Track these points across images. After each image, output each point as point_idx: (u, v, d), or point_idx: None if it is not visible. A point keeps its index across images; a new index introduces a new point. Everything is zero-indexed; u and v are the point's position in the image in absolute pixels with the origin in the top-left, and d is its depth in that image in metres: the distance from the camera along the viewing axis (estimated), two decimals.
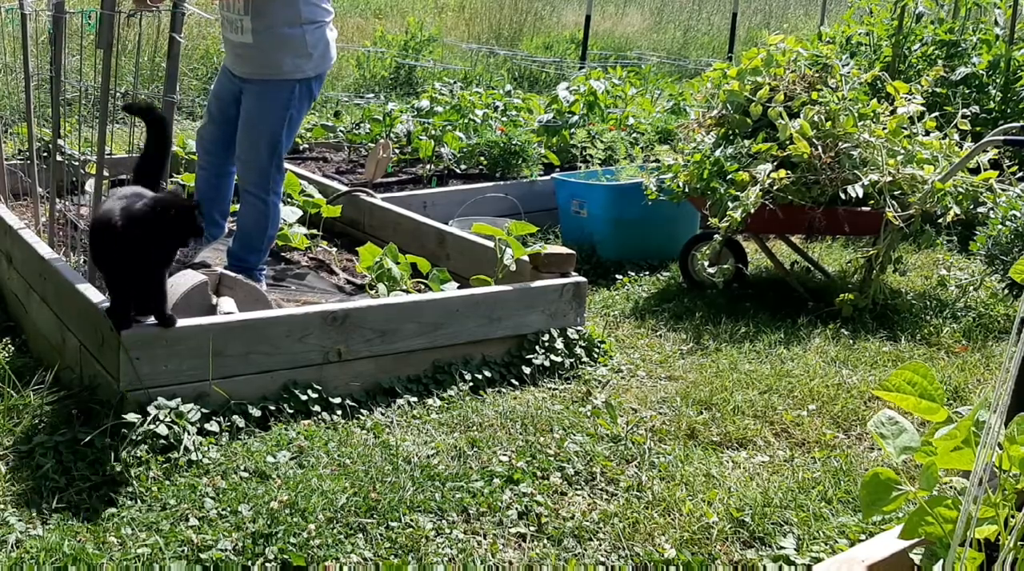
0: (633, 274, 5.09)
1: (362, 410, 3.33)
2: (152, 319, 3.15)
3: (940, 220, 4.51)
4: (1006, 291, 4.67)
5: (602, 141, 6.68)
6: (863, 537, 2.58)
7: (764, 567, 2.51)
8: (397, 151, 6.94)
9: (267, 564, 2.44)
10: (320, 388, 3.33)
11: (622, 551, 2.59)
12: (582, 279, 3.94)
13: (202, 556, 2.45)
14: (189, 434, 2.97)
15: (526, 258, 3.99)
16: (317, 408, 3.28)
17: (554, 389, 3.61)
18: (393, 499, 2.72)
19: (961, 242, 5.41)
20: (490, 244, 4.13)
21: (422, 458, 2.99)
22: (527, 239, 4.90)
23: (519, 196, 5.78)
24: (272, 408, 3.22)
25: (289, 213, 4.97)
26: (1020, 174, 5.04)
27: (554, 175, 5.82)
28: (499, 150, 6.39)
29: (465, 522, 2.68)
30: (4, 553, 2.45)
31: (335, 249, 5.03)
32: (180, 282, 3.50)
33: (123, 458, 2.84)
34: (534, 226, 4.33)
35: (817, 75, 4.82)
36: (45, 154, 5.33)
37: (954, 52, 6.88)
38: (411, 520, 2.64)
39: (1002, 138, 4.31)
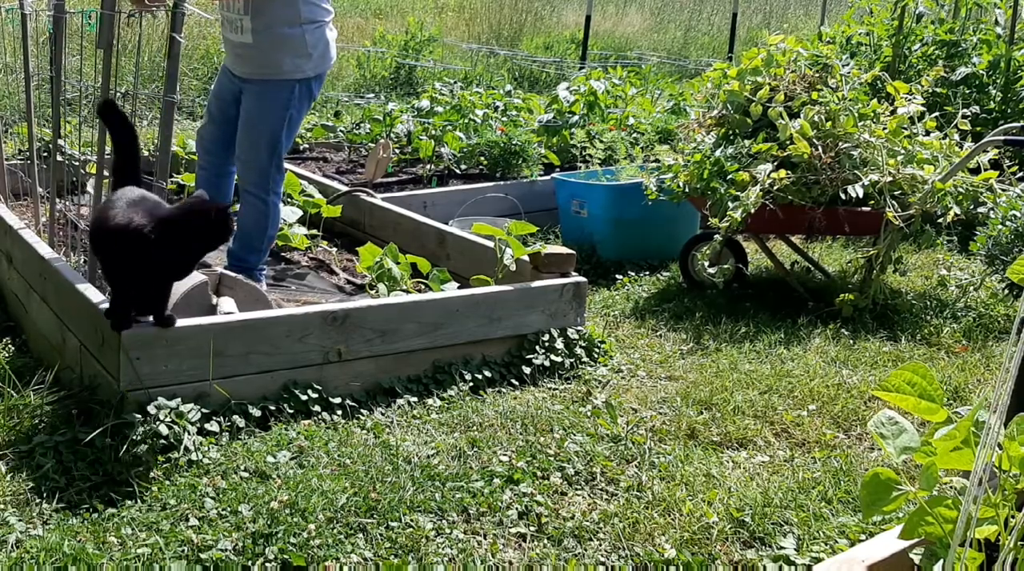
0: (633, 274, 5.09)
1: (362, 410, 3.33)
2: (151, 319, 3.15)
3: (940, 220, 4.51)
4: (1006, 291, 4.67)
5: (602, 141, 6.68)
6: (863, 537, 2.58)
7: (764, 567, 2.51)
8: (397, 151, 6.94)
9: (267, 564, 2.44)
10: (320, 388, 3.33)
11: (622, 551, 2.59)
12: (582, 279, 3.94)
13: (202, 556, 2.45)
14: (189, 434, 2.97)
15: (526, 258, 3.99)
16: (317, 408, 3.28)
17: (554, 389, 3.61)
18: (393, 499, 2.72)
19: (961, 242, 5.41)
20: (490, 244, 4.13)
21: (422, 458, 2.99)
22: (527, 239, 4.90)
23: (519, 196, 5.78)
24: (272, 408, 3.22)
25: (289, 213, 4.97)
26: (1020, 174, 5.04)
27: (554, 175, 5.82)
28: (499, 150, 6.40)
29: (465, 522, 2.68)
30: (4, 553, 2.45)
31: (335, 249, 5.03)
32: (180, 282, 3.50)
33: (123, 458, 2.84)
34: (534, 226, 4.33)
35: (817, 75, 4.82)
36: (45, 154, 5.33)
37: (954, 52, 6.88)
38: (411, 520, 2.64)
39: (1002, 138, 4.31)
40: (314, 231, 5.12)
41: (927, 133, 4.68)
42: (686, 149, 4.95)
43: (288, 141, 4.12)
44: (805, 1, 17.87)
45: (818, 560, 2.50)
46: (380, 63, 11.09)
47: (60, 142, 4.32)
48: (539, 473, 2.94)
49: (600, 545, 2.61)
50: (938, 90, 6.12)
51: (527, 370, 3.67)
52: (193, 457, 2.91)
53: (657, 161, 5.78)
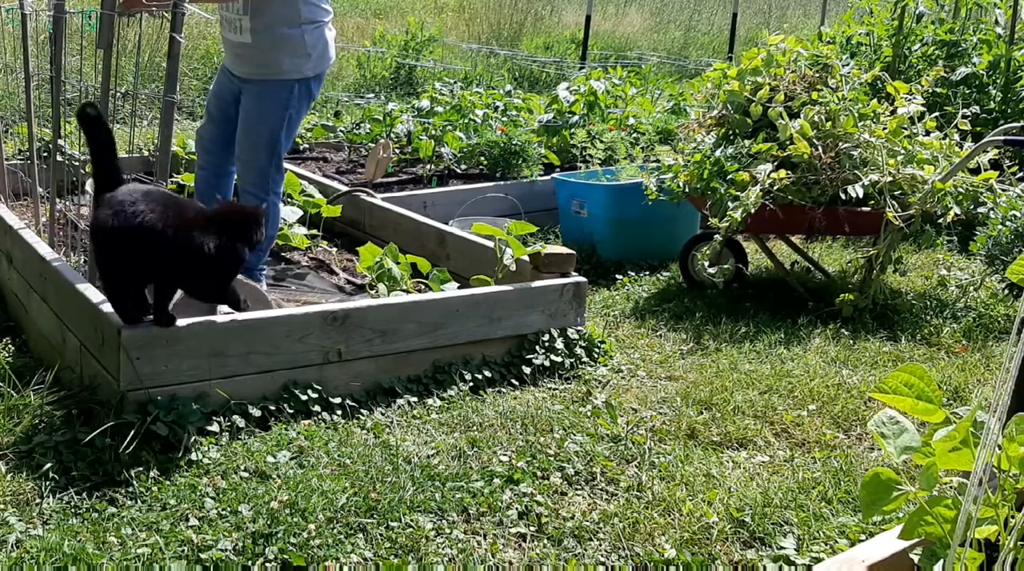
0: (633, 274, 5.09)
1: (362, 410, 3.33)
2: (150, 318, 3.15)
3: (940, 220, 4.52)
4: (1006, 291, 4.67)
5: (602, 141, 6.68)
6: (863, 537, 2.58)
7: (764, 567, 2.51)
8: (397, 151, 6.94)
9: (267, 564, 2.44)
10: (320, 388, 3.33)
11: (622, 551, 2.59)
12: (582, 279, 3.94)
13: (202, 556, 2.45)
14: (189, 434, 2.97)
15: (526, 258, 3.99)
16: (317, 408, 3.28)
17: (554, 389, 3.61)
18: (393, 499, 2.72)
19: (961, 242, 5.41)
20: (490, 244, 4.13)
21: (422, 458, 2.99)
22: (527, 239, 4.90)
23: (519, 196, 5.78)
24: (272, 408, 3.23)
25: (289, 213, 4.97)
26: (1020, 174, 5.04)
27: (554, 175, 5.82)
28: (499, 150, 6.40)
29: (465, 522, 2.68)
30: (4, 553, 2.45)
31: (335, 249, 5.03)
32: None
33: (123, 458, 2.84)
34: (534, 226, 4.33)
35: (817, 75, 4.82)
36: (45, 154, 5.33)
37: (954, 52, 6.88)
38: (411, 520, 2.64)
39: (1002, 138, 4.31)
40: (314, 231, 5.12)
41: (927, 133, 4.68)
42: (686, 149, 4.95)
43: (288, 141, 4.12)
44: (805, 1, 17.87)
45: (818, 560, 2.50)
46: (380, 63, 11.09)
47: (60, 142, 4.32)
48: (539, 473, 2.94)
49: (600, 545, 2.61)
50: (938, 90, 6.12)
51: (527, 370, 3.67)
52: (193, 457, 2.91)
53: (657, 161, 5.78)
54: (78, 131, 4.35)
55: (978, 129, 5.57)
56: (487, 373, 3.62)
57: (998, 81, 6.61)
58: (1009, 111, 6.40)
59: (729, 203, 4.43)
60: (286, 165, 4.36)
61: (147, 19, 4.04)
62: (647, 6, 16.79)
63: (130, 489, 2.75)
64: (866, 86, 5.10)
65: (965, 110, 5.00)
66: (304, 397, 3.28)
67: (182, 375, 3.12)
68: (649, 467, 3.01)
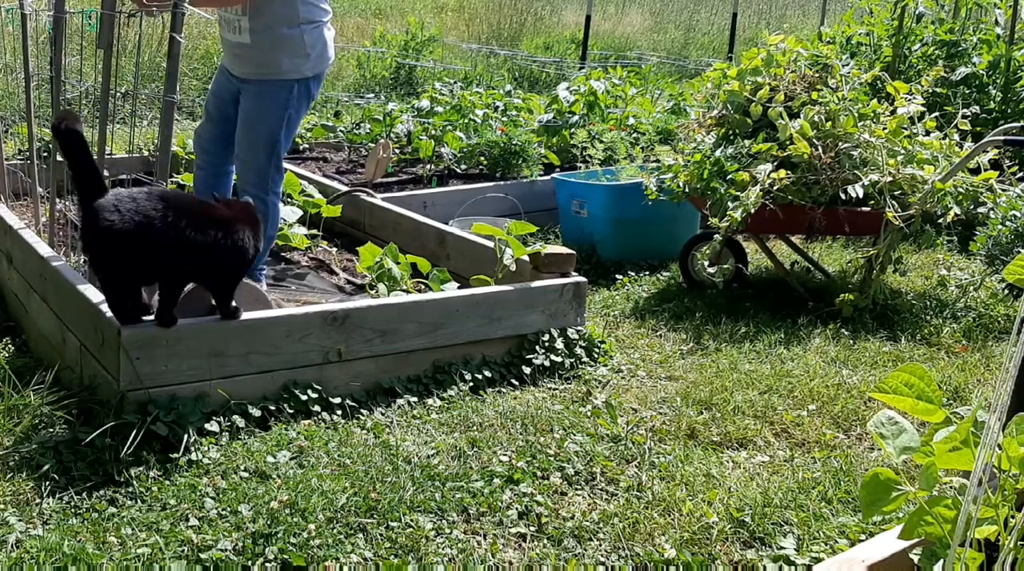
0: (633, 274, 5.09)
1: (362, 410, 3.33)
2: (151, 317, 3.16)
3: (940, 220, 4.52)
4: (1006, 291, 4.67)
5: (602, 141, 6.68)
6: (863, 537, 2.58)
7: (764, 567, 2.51)
8: (397, 151, 6.94)
9: (267, 564, 2.44)
10: (320, 388, 3.33)
11: (622, 551, 2.59)
12: (582, 279, 3.94)
13: (202, 556, 2.45)
14: (189, 434, 2.97)
15: (526, 258, 3.99)
16: (317, 408, 3.28)
17: (554, 389, 3.61)
18: (393, 499, 2.72)
19: (961, 242, 5.41)
20: (490, 244, 4.13)
21: (422, 458, 2.99)
22: (527, 239, 4.90)
23: (519, 196, 5.78)
24: (272, 408, 3.23)
25: (289, 213, 4.97)
26: (1020, 174, 5.04)
27: (554, 175, 5.82)
28: (499, 150, 6.40)
29: (465, 522, 2.68)
30: (4, 553, 2.45)
31: (335, 249, 5.03)
32: None
33: (123, 458, 2.84)
34: (534, 226, 4.33)
35: (817, 75, 4.82)
36: (45, 154, 5.33)
37: (954, 52, 6.88)
38: (411, 520, 2.64)
39: (1002, 138, 4.31)
40: (314, 231, 5.12)
41: (927, 133, 4.68)
42: (686, 149, 4.95)
43: (287, 141, 4.12)
44: (804, 1, 17.87)
45: (818, 560, 2.50)
46: (380, 63, 11.09)
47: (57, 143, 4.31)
48: (539, 473, 2.94)
49: (600, 545, 2.61)
50: (938, 90, 6.12)
51: (527, 370, 3.67)
52: (193, 457, 2.91)
53: (657, 161, 5.78)
54: None
55: (978, 129, 5.57)
56: (487, 373, 3.62)
57: (998, 81, 6.61)
58: (1009, 111, 6.40)
59: (729, 203, 4.43)
60: (286, 165, 4.36)
61: (147, 19, 4.03)
62: (647, 6, 16.79)
63: (130, 489, 2.75)
64: (866, 86, 5.10)
65: (965, 110, 5.00)
66: (304, 397, 3.28)
67: (182, 375, 3.12)
68: (649, 467, 3.01)
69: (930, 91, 5.15)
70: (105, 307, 3.12)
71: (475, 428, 3.22)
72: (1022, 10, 6.95)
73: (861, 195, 4.34)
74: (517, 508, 2.74)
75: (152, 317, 3.17)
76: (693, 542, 2.62)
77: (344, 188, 5.53)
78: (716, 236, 4.49)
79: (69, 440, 2.92)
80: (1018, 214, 4.59)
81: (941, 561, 1.57)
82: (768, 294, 4.70)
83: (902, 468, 1.64)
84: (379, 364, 3.48)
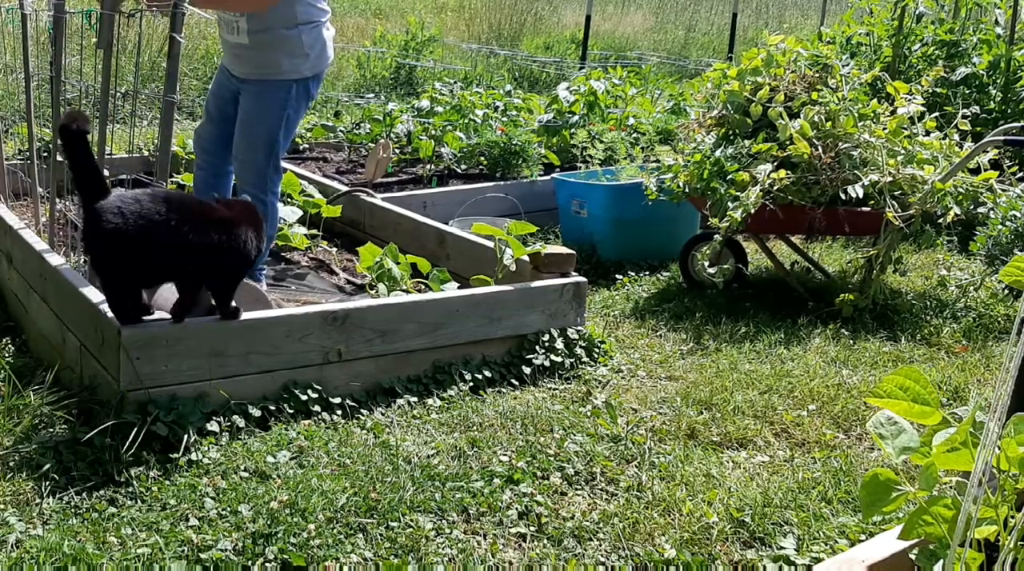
0: (633, 274, 5.09)
1: (362, 410, 3.33)
2: (154, 316, 3.16)
3: (940, 220, 4.52)
4: (1006, 291, 4.67)
5: (602, 141, 6.68)
6: (863, 537, 2.58)
7: (764, 567, 2.51)
8: (397, 151, 6.94)
9: (267, 564, 2.44)
10: (320, 388, 3.33)
11: (622, 551, 2.59)
12: (582, 279, 3.94)
13: (202, 556, 2.45)
14: (189, 434, 2.97)
15: (526, 258, 3.99)
16: (317, 408, 3.28)
17: (554, 389, 3.61)
18: (393, 499, 2.72)
19: (961, 242, 5.41)
20: (490, 244, 4.13)
21: (422, 458, 2.99)
22: (527, 239, 4.90)
23: (519, 196, 5.78)
24: (272, 408, 3.23)
25: (289, 213, 4.97)
26: (1020, 174, 5.04)
27: (554, 175, 5.82)
28: (499, 150, 6.40)
29: (465, 522, 2.68)
30: (4, 553, 2.45)
31: (335, 249, 5.03)
32: None
33: (123, 458, 2.84)
34: (534, 226, 4.33)
35: (817, 75, 4.82)
36: (45, 154, 5.33)
37: (954, 52, 6.88)
38: (411, 520, 2.65)
39: (1002, 138, 4.31)
40: (314, 231, 5.12)
41: (927, 133, 4.68)
42: (686, 149, 4.95)
43: (286, 141, 4.12)
44: (804, 1, 17.88)
45: (818, 560, 2.50)
46: (380, 63, 11.09)
47: (59, 142, 4.31)
48: (539, 473, 2.94)
49: (600, 545, 2.61)
50: (938, 90, 6.12)
51: (527, 370, 3.67)
52: (193, 457, 2.91)
53: (657, 161, 5.78)
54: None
55: (978, 129, 5.57)
56: (487, 373, 3.62)
57: (998, 81, 6.61)
58: (1009, 111, 6.40)
59: (729, 203, 4.43)
60: (286, 165, 4.36)
61: (147, 19, 4.03)
62: (647, 6, 16.79)
63: (130, 489, 2.75)
64: (866, 86, 5.10)
65: (965, 110, 5.00)
66: (304, 397, 3.28)
67: (182, 375, 3.12)
68: (649, 467, 3.01)
69: (930, 91, 5.15)
70: (105, 307, 3.12)
71: (475, 428, 3.22)
72: (1022, 10, 6.95)
73: (861, 195, 4.34)
74: (517, 508, 2.74)
75: (151, 317, 3.17)
76: (693, 542, 2.62)
77: (344, 188, 5.53)
78: (716, 236, 4.49)
79: (69, 440, 2.92)
80: (1018, 214, 4.59)
81: (941, 561, 1.57)
82: (768, 294, 4.70)
83: (902, 468, 1.64)
84: (379, 364, 3.48)
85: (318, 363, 3.36)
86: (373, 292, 4.00)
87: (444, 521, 2.67)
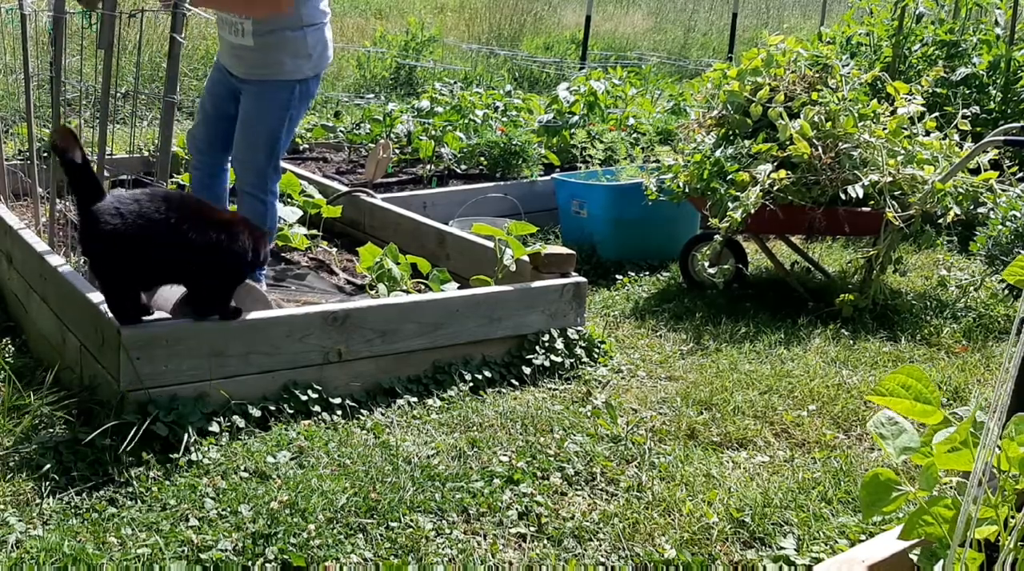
0: (633, 274, 5.09)
1: (362, 410, 3.33)
2: (154, 316, 3.16)
3: (940, 220, 4.52)
4: (1006, 291, 4.67)
5: (602, 141, 6.68)
6: (863, 537, 2.58)
7: (764, 567, 2.51)
8: (397, 151, 6.94)
9: (267, 564, 2.44)
10: (320, 388, 3.33)
11: (622, 551, 2.59)
12: (582, 279, 3.94)
13: (202, 556, 2.45)
14: (189, 434, 2.97)
15: (526, 258, 3.99)
16: (317, 408, 3.28)
17: (554, 389, 3.61)
18: (393, 499, 2.72)
19: (961, 242, 5.41)
20: (490, 244, 4.13)
21: (422, 458, 2.99)
22: (527, 239, 4.90)
23: (519, 196, 5.78)
24: (272, 408, 3.23)
25: (289, 213, 4.97)
26: (1020, 174, 5.04)
27: (554, 175, 5.82)
28: (499, 150, 6.40)
29: (465, 522, 2.68)
30: (4, 553, 2.45)
31: (335, 249, 5.03)
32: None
33: (123, 458, 2.84)
34: (534, 226, 4.33)
35: (817, 75, 4.82)
36: (45, 154, 5.32)
37: (954, 52, 6.88)
38: (411, 520, 2.65)
39: (1002, 138, 4.31)
40: (314, 231, 5.12)
41: (927, 133, 4.68)
42: (686, 149, 4.95)
43: (287, 141, 4.12)
44: (805, 2, 17.88)
45: (818, 560, 2.50)
46: (380, 63, 11.09)
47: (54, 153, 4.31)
48: (539, 473, 2.94)
49: (600, 545, 2.61)
50: (938, 90, 6.12)
51: (527, 370, 3.67)
52: (193, 457, 2.91)
53: (657, 161, 5.78)
54: (78, 131, 4.35)
55: (978, 129, 5.57)
56: (487, 373, 3.62)
57: (998, 81, 6.61)
58: (1009, 111, 6.40)
59: (729, 203, 4.43)
60: (286, 165, 4.36)
61: (147, 19, 4.03)
62: (647, 6, 16.80)
63: (130, 489, 2.75)
64: (866, 86, 5.10)
65: (965, 110, 5.00)
66: (304, 397, 3.28)
67: (182, 375, 3.12)
68: (649, 467, 3.01)
69: (930, 91, 5.15)
70: (105, 307, 3.12)
71: (475, 428, 3.22)
72: (1022, 10, 6.95)
73: (861, 195, 4.34)
74: (517, 508, 2.74)
75: (151, 317, 3.18)
76: (693, 542, 2.62)
77: (344, 188, 5.53)
78: (716, 236, 4.49)
79: (69, 440, 2.92)
80: (1018, 214, 4.59)
81: (941, 561, 1.57)
82: (768, 294, 4.70)
83: (902, 468, 1.64)
84: (379, 364, 3.48)
85: (318, 363, 3.36)
86: (373, 292, 4.00)
87: (444, 521, 2.67)
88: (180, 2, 3.34)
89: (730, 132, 4.82)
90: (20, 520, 2.59)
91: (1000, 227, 4.62)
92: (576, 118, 7.09)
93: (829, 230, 4.54)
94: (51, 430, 3.02)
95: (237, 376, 3.21)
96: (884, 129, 4.52)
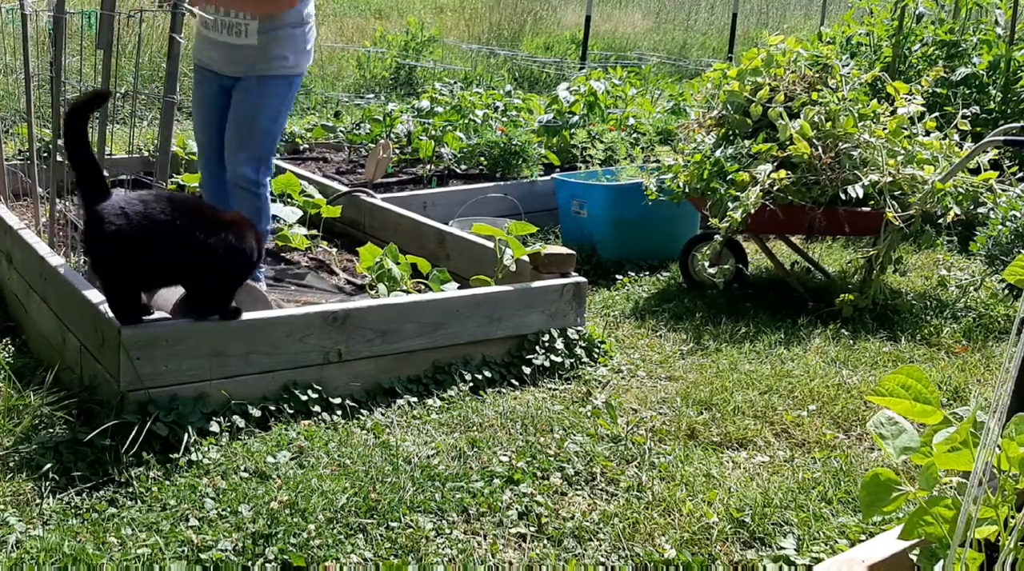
0: (633, 274, 5.09)
1: (362, 410, 3.33)
2: (154, 316, 3.16)
3: (940, 220, 4.52)
4: (1006, 291, 4.67)
5: (602, 141, 6.68)
6: (863, 537, 2.58)
7: (764, 567, 2.51)
8: (397, 151, 6.94)
9: (267, 564, 2.44)
10: (320, 388, 3.33)
11: (622, 551, 2.59)
12: (582, 279, 3.94)
13: (202, 556, 2.45)
14: (189, 434, 2.97)
15: (526, 258, 3.99)
16: (317, 408, 3.28)
17: (554, 389, 3.61)
18: (393, 499, 2.72)
19: (961, 242, 5.41)
20: (490, 244, 4.13)
21: (422, 458, 2.99)
22: (527, 239, 4.90)
23: (519, 196, 5.78)
24: (272, 408, 3.23)
25: (289, 213, 4.97)
26: (1020, 174, 5.04)
27: (554, 175, 5.82)
28: (499, 150, 6.40)
29: (465, 522, 2.68)
30: (4, 553, 2.45)
31: (335, 249, 5.03)
32: None
33: (123, 458, 2.84)
34: (534, 226, 4.33)
35: (817, 75, 4.82)
36: (45, 154, 5.33)
37: (954, 52, 6.88)
38: (411, 520, 2.64)
39: (1002, 138, 4.31)
40: (314, 231, 5.12)
41: (927, 133, 4.68)
42: (686, 149, 4.95)
43: (280, 134, 4.16)
44: (805, 1, 17.88)
45: (818, 560, 2.50)
46: (380, 63, 11.10)
47: (60, 142, 4.31)
48: (539, 473, 2.94)
49: (600, 545, 2.61)
50: (938, 90, 6.12)
51: (527, 370, 3.67)
52: (193, 457, 2.91)
53: (657, 161, 5.78)
54: None
55: (978, 129, 5.57)
56: (487, 373, 3.62)
57: (998, 81, 6.61)
58: (1009, 111, 6.40)
59: (729, 203, 4.43)
60: (286, 165, 4.37)
61: (147, 19, 4.02)
62: (647, 6, 16.80)
63: (130, 489, 2.75)
64: (866, 86, 5.10)
65: (965, 110, 5.00)
66: (304, 397, 3.28)
67: (182, 375, 3.12)
68: (649, 467, 3.01)
69: (930, 91, 5.15)
70: (105, 307, 3.13)
71: (475, 428, 3.22)
72: (1022, 10, 6.95)
73: (861, 195, 4.34)
74: (517, 508, 2.74)
75: (151, 317, 3.18)
76: (693, 542, 2.62)
77: (344, 188, 5.53)
78: (716, 236, 4.49)
79: (69, 440, 2.92)
80: (1018, 214, 4.59)
81: (941, 561, 1.57)
82: (768, 294, 4.70)
83: (902, 468, 1.64)
84: (379, 364, 3.48)
85: (318, 363, 3.36)
86: (373, 292, 4.00)
87: (444, 521, 2.67)
88: (180, 2, 3.33)
89: (730, 132, 4.82)
90: (20, 520, 2.59)
91: (1000, 227, 4.62)
92: (576, 118, 7.09)
93: (829, 230, 4.54)
94: (51, 430, 3.01)
95: (237, 376, 3.21)
96: (884, 129, 4.52)
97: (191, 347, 3.13)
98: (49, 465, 2.81)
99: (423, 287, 4.09)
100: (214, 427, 3.07)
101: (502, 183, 6.10)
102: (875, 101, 4.83)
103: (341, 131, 7.75)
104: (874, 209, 4.39)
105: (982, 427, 1.49)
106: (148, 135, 6.66)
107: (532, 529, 2.66)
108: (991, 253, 4.66)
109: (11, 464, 2.87)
